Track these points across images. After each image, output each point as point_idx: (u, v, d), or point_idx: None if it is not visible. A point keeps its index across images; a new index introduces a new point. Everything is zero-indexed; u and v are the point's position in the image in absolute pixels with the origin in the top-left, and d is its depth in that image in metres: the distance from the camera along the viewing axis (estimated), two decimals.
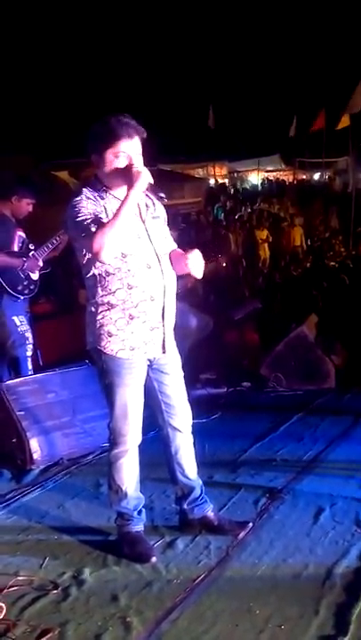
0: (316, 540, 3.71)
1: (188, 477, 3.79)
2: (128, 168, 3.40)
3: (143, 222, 3.52)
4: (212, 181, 30.89)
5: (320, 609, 3.06)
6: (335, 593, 3.19)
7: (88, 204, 3.40)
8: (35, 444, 5.05)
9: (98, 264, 3.42)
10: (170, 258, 3.64)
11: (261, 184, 34.01)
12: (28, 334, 6.23)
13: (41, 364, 6.80)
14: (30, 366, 6.27)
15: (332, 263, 14.09)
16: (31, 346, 6.27)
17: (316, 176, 35.09)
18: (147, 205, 3.58)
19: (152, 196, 3.57)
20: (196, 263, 3.60)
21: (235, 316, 8.65)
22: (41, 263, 6.24)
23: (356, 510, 4.04)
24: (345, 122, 21.63)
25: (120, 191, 3.44)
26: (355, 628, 2.90)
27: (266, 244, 17.74)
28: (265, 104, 37.10)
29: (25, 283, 6.20)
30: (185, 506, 3.82)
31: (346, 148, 23.17)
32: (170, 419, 3.72)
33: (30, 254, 6.21)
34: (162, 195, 3.50)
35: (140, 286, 3.46)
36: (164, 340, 3.57)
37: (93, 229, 3.30)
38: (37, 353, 6.81)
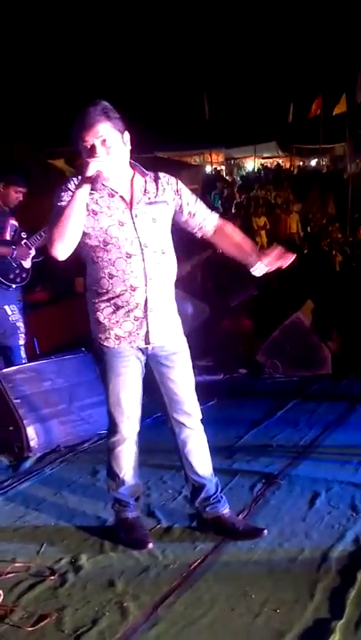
0: (311, 525, 3.73)
1: (197, 474, 3.67)
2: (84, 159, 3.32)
3: (130, 209, 3.39)
4: (208, 168, 30.78)
5: (315, 593, 3.07)
6: (331, 577, 3.20)
7: (65, 195, 3.33)
8: (32, 432, 5.07)
9: (85, 251, 3.43)
10: (221, 232, 3.59)
11: (258, 171, 33.90)
12: (20, 324, 6.21)
13: (38, 352, 6.79)
14: (24, 354, 6.26)
15: (334, 252, 14.05)
16: (23, 335, 6.25)
17: (313, 162, 35.00)
18: (146, 190, 3.43)
19: (163, 181, 3.47)
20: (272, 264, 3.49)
21: (231, 302, 8.65)
22: (33, 252, 6.17)
23: (351, 495, 4.07)
24: (341, 107, 21.58)
25: (112, 181, 3.37)
26: (350, 612, 2.91)
27: (263, 231, 17.70)
28: (261, 90, 36.93)
29: (17, 271, 6.16)
30: (196, 504, 3.71)
31: (343, 135, 23.10)
32: (174, 412, 3.62)
33: (23, 242, 6.17)
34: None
35: (120, 276, 3.38)
36: (147, 332, 3.47)
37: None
38: (34, 341, 6.81)
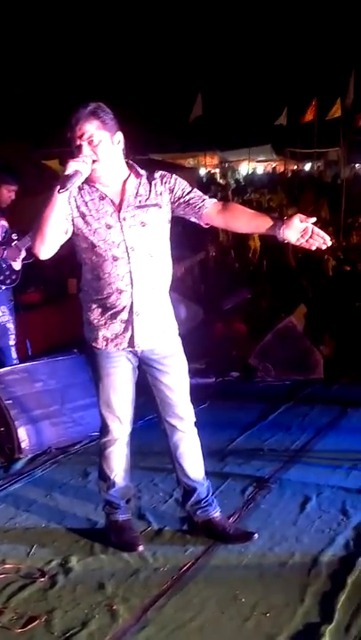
0: (302, 529, 3.73)
1: (189, 477, 3.66)
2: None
3: (118, 212, 3.36)
4: (202, 171, 30.79)
5: (306, 597, 3.08)
6: (321, 581, 3.21)
7: None
8: (23, 433, 5.05)
9: (78, 253, 3.45)
10: (226, 212, 3.40)
11: (252, 174, 33.94)
12: (10, 325, 6.19)
13: (30, 353, 6.78)
14: (15, 355, 6.24)
15: (327, 256, 14.07)
16: (14, 335, 6.23)
17: (308, 166, 35.07)
18: (137, 193, 3.40)
19: (157, 182, 3.42)
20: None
21: (224, 306, 8.66)
22: (24, 253, 6.12)
23: (342, 499, 4.07)
24: (336, 112, 21.66)
25: (104, 182, 3.37)
26: (340, 616, 2.92)
27: (256, 235, 17.68)
28: (256, 93, 36.96)
29: (7, 273, 6.13)
30: (187, 507, 3.71)
31: (337, 139, 23.17)
32: (166, 415, 3.61)
33: (13, 244, 6.13)
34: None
35: (106, 279, 3.38)
36: (132, 336, 3.44)
37: None
38: (26, 342, 6.79)
